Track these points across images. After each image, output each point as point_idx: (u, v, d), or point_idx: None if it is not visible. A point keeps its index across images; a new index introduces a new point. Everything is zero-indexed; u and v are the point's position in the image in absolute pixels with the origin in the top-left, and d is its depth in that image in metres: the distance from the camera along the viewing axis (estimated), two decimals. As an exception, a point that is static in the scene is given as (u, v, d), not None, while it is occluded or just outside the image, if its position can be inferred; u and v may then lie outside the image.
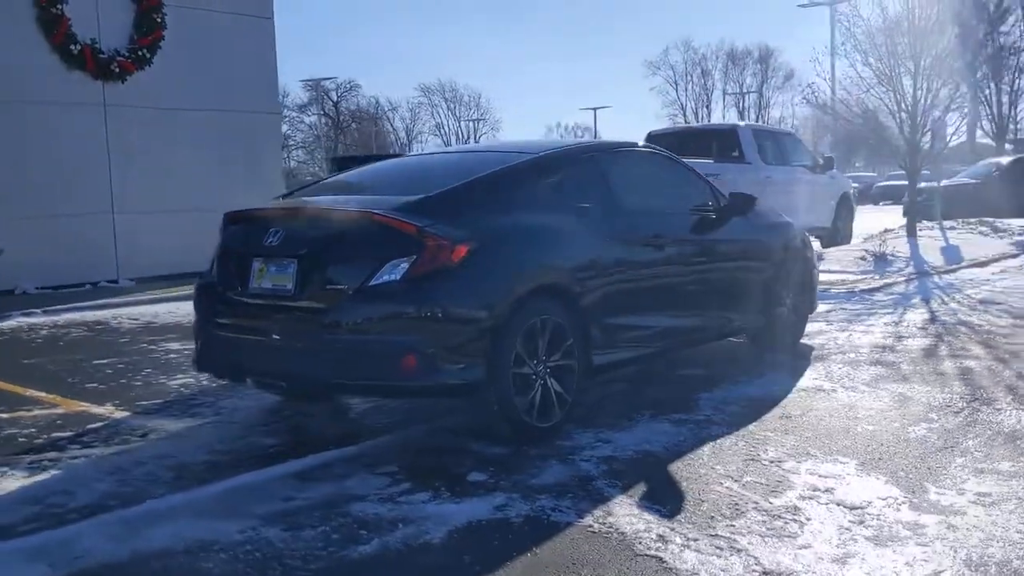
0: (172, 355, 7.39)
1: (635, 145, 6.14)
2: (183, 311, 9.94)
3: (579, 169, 5.36)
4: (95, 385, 6.34)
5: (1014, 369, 6.12)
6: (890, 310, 8.90)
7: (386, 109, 76.50)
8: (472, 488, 4.04)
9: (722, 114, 75.67)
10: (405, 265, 4.31)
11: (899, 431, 4.76)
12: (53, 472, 4.43)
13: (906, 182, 15.80)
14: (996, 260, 12.87)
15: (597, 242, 5.05)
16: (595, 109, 73.92)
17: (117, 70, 11.99)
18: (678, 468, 4.28)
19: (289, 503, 3.92)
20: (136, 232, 12.53)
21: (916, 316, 8.45)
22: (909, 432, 4.74)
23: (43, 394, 6.08)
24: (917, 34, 13.48)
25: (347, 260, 4.47)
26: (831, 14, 36.44)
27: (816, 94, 16.83)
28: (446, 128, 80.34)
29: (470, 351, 4.39)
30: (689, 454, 4.47)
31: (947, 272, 11.71)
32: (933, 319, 8.27)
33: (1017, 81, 46.16)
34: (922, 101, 13.49)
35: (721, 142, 13.30)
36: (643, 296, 5.34)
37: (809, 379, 5.96)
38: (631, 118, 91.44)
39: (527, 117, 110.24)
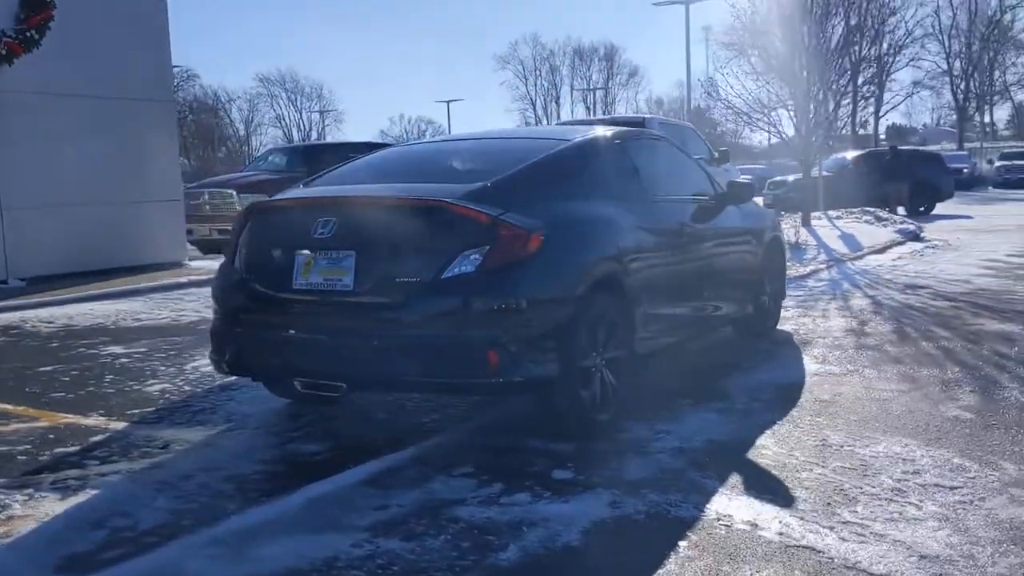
0: (124, 359, 6.83)
1: (644, 128, 6.13)
2: (100, 312, 9.30)
3: (613, 155, 5.29)
4: (63, 395, 5.77)
5: (989, 348, 6.44)
6: (830, 296, 9.24)
7: (224, 100, 73.87)
8: (567, 486, 3.89)
9: (570, 110, 77.16)
10: (478, 256, 4.11)
11: (933, 411, 4.91)
12: (91, 492, 3.98)
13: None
14: (890, 247, 13.60)
15: (637, 230, 4.98)
16: (448, 102, 73.92)
17: (4, 52, 10.98)
18: (756, 456, 4.26)
19: (385, 511, 3.66)
20: (25, 228, 11.53)
21: (860, 302, 8.80)
22: (943, 411, 4.89)
23: (9, 406, 5.49)
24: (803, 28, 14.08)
25: (414, 252, 4.20)
26: (686, 13, 37.72)
27: (716, 89, 17.36)
28: (287, 119, 78.62)
29: (546, 345, 4.23)
30: (756, 442, 4.46)
31: (855, 259, 12.28)
32: (878, 304, 8.64)
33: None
34: (816, 95, 14.12)
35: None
36: (674, 284, 5.31)
37: (813, 364, 6.08)
38: (483, 111, 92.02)
39: (374, 109, 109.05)
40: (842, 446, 4.37)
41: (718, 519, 3.52)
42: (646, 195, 5.30)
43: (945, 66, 59.74)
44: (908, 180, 22.40)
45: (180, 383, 5.98)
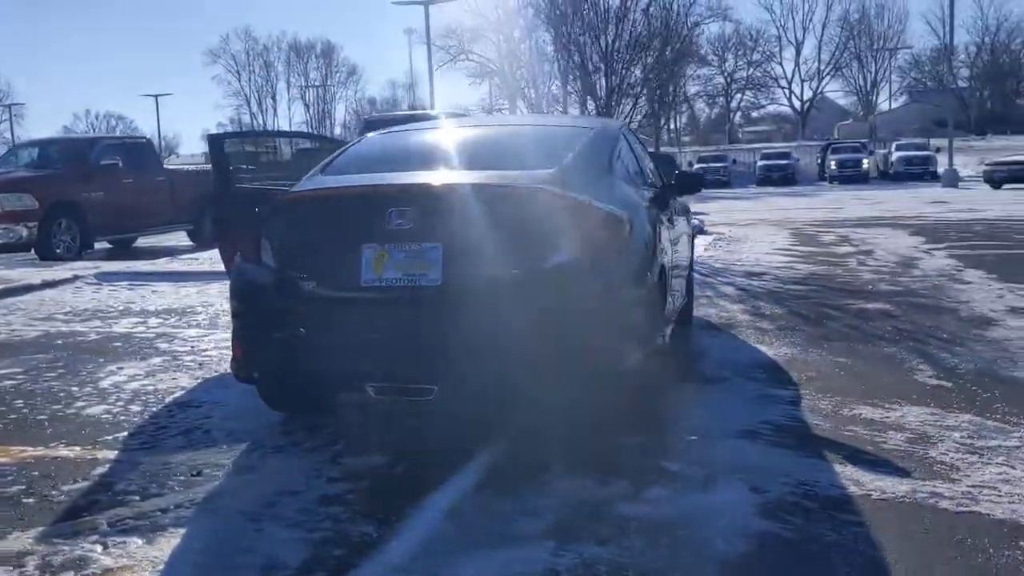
0: (7, 382, 5.84)
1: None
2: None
3: (626, 142, 5.29)
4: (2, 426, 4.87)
5: (890, 325, 7.09)
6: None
7: None
8: (690, 477, 3.83)
9: (288, 106, 75.32)
10: (577, 243, 3.93)
11: (919, 381, 5.33)
12: (176, 531, 3.39)
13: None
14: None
15: (653, 215, 4.99)
16: (156, 96, 69.48)
17: None
18: (824, 433, 4.41)
19: (541, 518, 3.43)
20: None
21: (725, 288, 9.34)
22: (929, 381, 5.33)
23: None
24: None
25: (509, 241, 3.92)
26: (426, 12, 38.02)
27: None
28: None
29: (639, 333, 4.14)
30: (805, 421, 4.62)
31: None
32: (743, 290, 9.20)
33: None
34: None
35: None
36: (674, 271, 5.38)
37: (766, 348, 6.36)
38: (194, 106, 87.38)
39: (61, 104, 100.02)
40: (883, 419, 4.63)
41: (883, 497, 3.58)
42: (646, 182, 5.36)
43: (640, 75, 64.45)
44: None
45: (117, 403, 5.22)
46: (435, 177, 4.20)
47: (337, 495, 3.73)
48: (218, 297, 9.52)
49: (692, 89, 66.32)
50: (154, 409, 5.10)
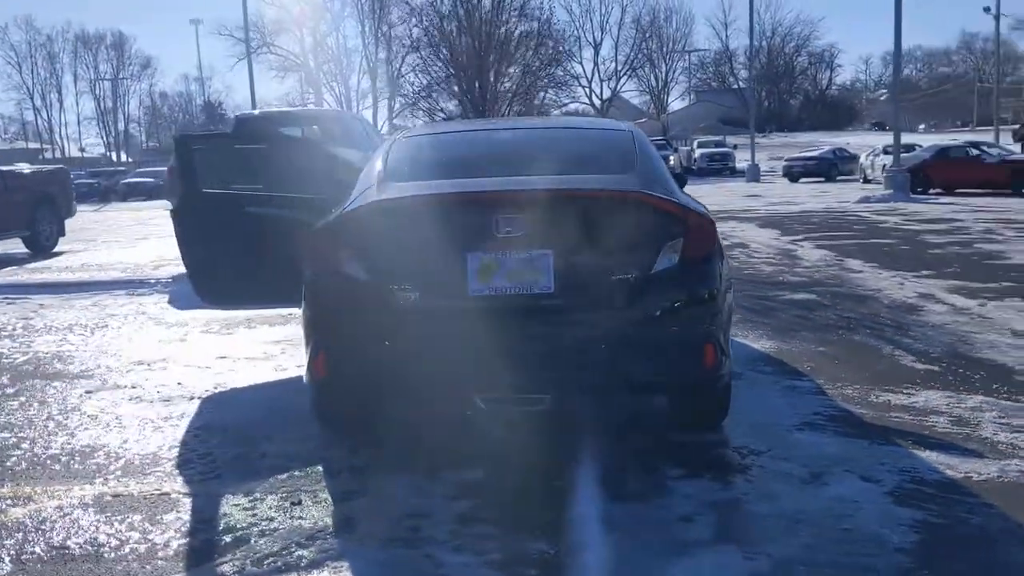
0: None
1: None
2: None
3: None
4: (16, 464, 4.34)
5: (839, 308, 7.55)
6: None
7: None
8: (807, 475, 3.91)
9: (75, 100, 70.59)
10: (677, 248, 3.97)
11: (908, 366, 5.72)
12: (340, 564, 3.18)
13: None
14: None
15: None
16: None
17: None
18: (874, 420, 4.66)
19: (696, 521, 3.47)
20: None
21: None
22: (916, 366, 5.73)
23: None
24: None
25: (616, 247, 3.90)
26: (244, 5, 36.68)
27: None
28: None
29: (728, 337, 4.23)
30: (848, 410, 4.87)
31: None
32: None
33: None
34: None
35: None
36: None
37: (746, 341, 6.62)
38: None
39: None
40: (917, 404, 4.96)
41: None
42: None
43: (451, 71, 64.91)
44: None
45: (128, 431, 4.81)
46: (539, 183, 4.12)
47: (471, 513, 3.60)
48: (123, 309, 8.88)
49: (503, 86, 67.18)
50: (178, 435, 4.73)
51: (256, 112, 15.99)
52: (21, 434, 4.84)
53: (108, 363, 6.50)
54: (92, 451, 4.53)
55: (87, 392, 5.70)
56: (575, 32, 69.74)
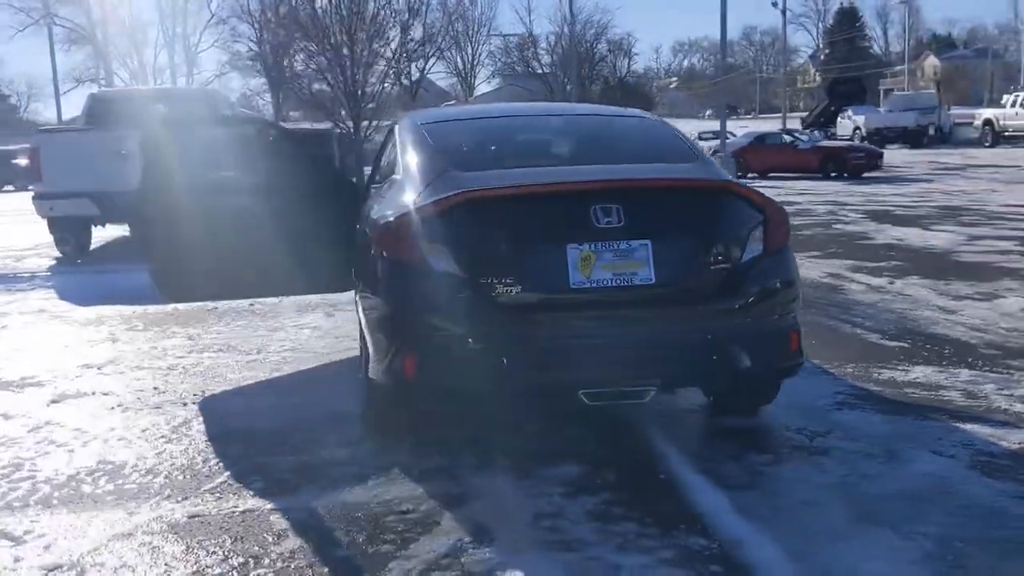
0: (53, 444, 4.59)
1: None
2: None
3: None
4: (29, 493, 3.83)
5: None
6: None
7: None
8: (882, 453, 4.06)
9: None
10: (760, 237, 4.03)
11: (880, 344, 6.05)
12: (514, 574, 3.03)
13: None
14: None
15: None
16: None
17: None
18: (896, 397, 4.90)
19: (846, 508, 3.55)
20: None
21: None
22: (887, 343, 6.07)
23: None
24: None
25: (707, 236, 3.92)
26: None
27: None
28: None
29: None
30: (867, 389, 5.11)
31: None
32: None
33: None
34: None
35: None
36: None
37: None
38: None
39: None
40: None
41: None
42: None
43: (258, 49, 62.68)
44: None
45: (149, 446, 4.40)
46: (634, 172, 4.04)
47: (600, 510, 3.51)
48: (12, 307, 8.05)
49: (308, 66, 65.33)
50: (202, 446, 4.35)
51: (112, 90, 14.81)
52: (7, 454, 4.30)
53: (48, 367, 5.87)
54: (115, 469, 4.09)
55: (52, 402, 5.13)
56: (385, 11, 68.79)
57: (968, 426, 4.39)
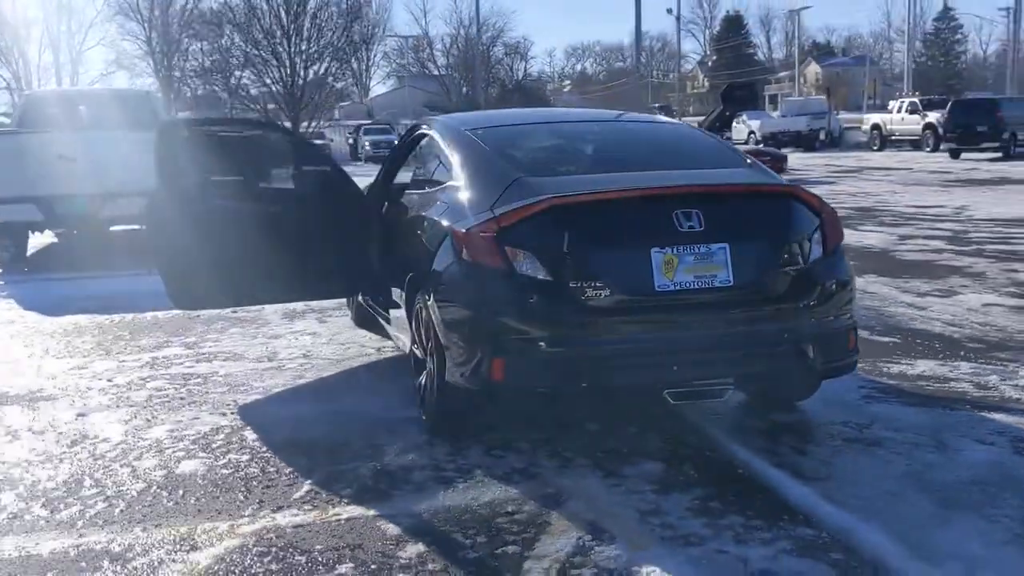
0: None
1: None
2: None
3: None
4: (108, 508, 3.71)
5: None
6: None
7: None
8: (931, 443, 4.30)
9: None
10: (820, 239, 4.23)
11: (873, 340, 6.37)
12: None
13: None
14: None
15: None
16: None
17: None
18: (912, 389, 5.18)
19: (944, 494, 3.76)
20: None
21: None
22: (879, 339, 6.39)
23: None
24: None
25: (778, 239, 4.11)
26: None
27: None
28: None
29: None
30: (883, 382, 5.37)
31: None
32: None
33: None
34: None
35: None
36: None
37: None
38: None
39: None
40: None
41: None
42: None
43: (147, 48, 60.82)
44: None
45: (211, 457, 4.32)
46: (709, 178, 4.18)
47: (699, 506, 3.62)
48: (9, 312, 7.71)
49: (192, 63, 63.67)
50: (269, 455, 4.30)
51: (46, 91, 14.19)
52: (60, 470, 4.16)
53: (52, 381, 5.67)
54: (187, 480, 4.02)
55: (80, 415, 4.96)
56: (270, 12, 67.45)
57: (995, 415, 4.68)
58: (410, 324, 4.70)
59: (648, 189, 4.08)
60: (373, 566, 3.18)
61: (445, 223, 4.29)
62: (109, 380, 5.65)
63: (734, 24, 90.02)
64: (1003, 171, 23.26)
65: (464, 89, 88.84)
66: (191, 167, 5.60)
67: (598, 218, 3.95)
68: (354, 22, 51.48)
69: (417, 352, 4.63)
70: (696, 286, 3.92)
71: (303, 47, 44.77)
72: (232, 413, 4.94)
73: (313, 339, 6.67)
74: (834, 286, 4.22)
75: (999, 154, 28.77)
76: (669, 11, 56.77)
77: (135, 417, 4.91)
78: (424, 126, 5.41)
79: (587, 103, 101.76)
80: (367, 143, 44.45)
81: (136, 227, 10.52)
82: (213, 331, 6.99)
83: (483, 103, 66.30)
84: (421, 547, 3.32)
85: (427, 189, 4.95)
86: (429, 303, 4.26)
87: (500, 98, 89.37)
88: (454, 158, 4.61)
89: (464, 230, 4.06)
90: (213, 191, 5.62)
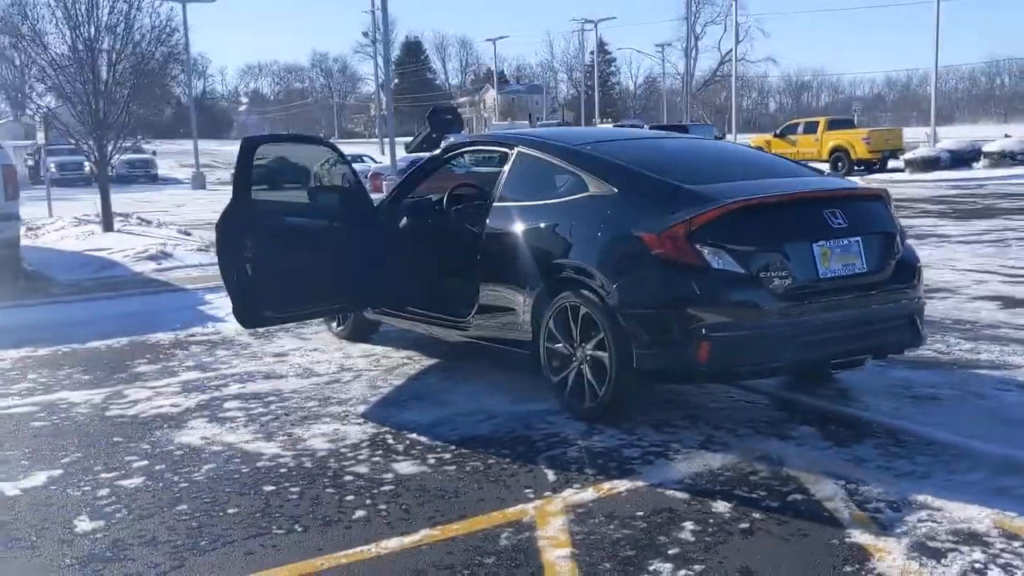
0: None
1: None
2: None
3: None
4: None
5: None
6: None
7: None
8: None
9: None
10: (896, 232, 5.17)
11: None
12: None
13: None
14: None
15: None
16: None
17: None
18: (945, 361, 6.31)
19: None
20: None
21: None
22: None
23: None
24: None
25: (885, 232, 5.03)
26: None
27: None
28: None
29: None
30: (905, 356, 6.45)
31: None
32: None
33: None
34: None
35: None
36: None
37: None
38: None
39: None
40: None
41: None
42: None
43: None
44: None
45: (377, 463, 4.44)
46: (834, 184, 5.00)
47: (885, 450, 4.41)
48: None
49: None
50: (440, 452, 4.51)
51: None
52: (312, 486, 4.13)
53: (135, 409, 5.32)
54: (440, 479, 4.15)
55: (205, 438, 4.78)
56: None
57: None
58: (543, 324, 5.05)
59: (806, 193, 4.91)
60: (696, 526, 3.64)
61: (618, 228, 4.79)
62: (197, 409, 5.41)
63: (413, 50, 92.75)
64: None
65: (134, 107, 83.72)
66: (265, 182, 5.58)
67: (769, 218, 4.71)
68: None
69: (561, 349, 5.00)
70: (844, 273, 4.77)
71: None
72: (359, 422, 5.05)
73: (325, 356, 6.64)
74: (917, 270, 5.22)
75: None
76: (365, 34, 57.36)
77: (276, 432, 4.84)
78: (504, 147, 5.77)
79: (268, 124, 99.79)
80: (53, 165, 40.85)
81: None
82: (209, 355, 6.77)
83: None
84: (718, 506, 3.81)
85: (540, 201, 5.32)
86: (595, 300, 4.72)
87: (176, 117, 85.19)
88: (585, 173, 5.07)
89: (656, 233, 4.58)
90: (282, 207, 5.63)
